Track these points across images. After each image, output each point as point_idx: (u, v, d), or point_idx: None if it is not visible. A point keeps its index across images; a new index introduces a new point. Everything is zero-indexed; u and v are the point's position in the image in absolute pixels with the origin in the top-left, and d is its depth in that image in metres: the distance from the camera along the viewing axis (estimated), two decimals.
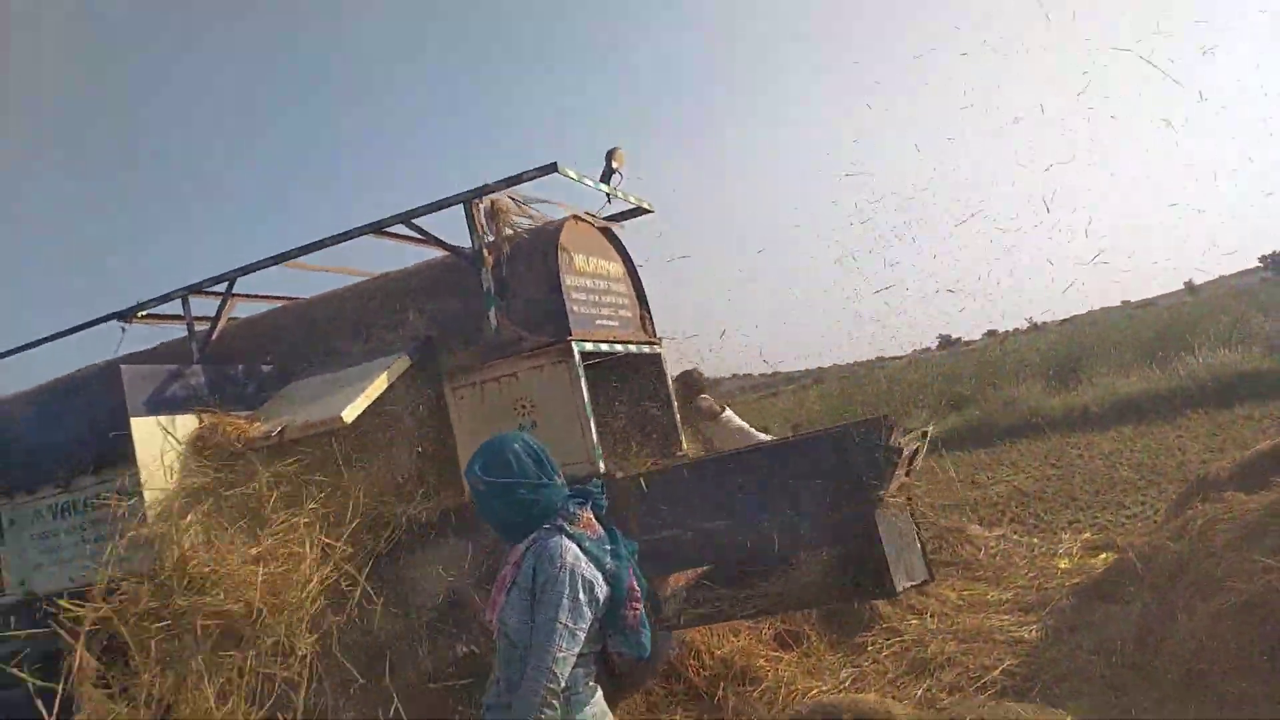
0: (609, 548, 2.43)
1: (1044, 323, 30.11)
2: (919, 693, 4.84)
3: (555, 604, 2.25)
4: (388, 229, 4.31)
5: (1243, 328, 16.54)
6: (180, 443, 3.58)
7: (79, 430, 4.30)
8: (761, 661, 5.52)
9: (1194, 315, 19.38)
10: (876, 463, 3.35)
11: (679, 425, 4.83)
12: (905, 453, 3.52)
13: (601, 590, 2.35)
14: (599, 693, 2.43)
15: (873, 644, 5.68)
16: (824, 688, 5.17)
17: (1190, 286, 37.42)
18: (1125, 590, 5.03)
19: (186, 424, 3.66)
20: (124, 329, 4.80)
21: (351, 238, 4.27)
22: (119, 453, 3.71)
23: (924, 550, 3.84)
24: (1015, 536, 7.77)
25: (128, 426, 3.44)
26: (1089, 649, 4.88)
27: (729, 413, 6.35)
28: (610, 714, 2.46)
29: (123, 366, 3.60)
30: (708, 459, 4.56)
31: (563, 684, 2.22)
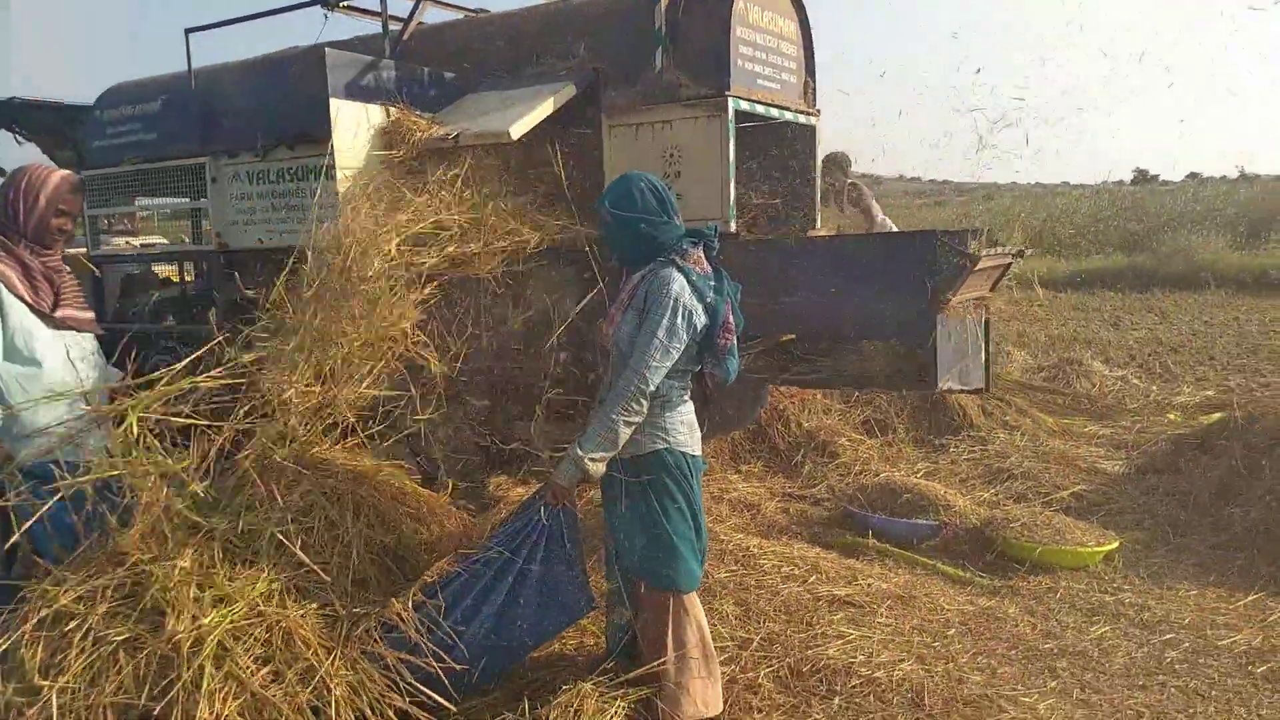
0: (713, 284, 2.77)
1: (1255, 175, 27.21)
2: (985, 495, 5.18)
3: (657, 322, 2.65)
4: None
5: None
6: (370, 130, 3.98)
7: (280, 105, 4.74)
8: (844, 441, 5.94)
9: None
10: (952, 269, 3.52)
11: (817, 204, 4.93)
12: (987, 264, 3.65)
13: (700, 319, 2.72)
14: (690, 405, 2.88)
15: (956, 447, 6.00)
16: (898, 473, 5.58)
17: None
18: (1221, 445, 5.08)
19: (376, 114, 4.03)
20: (326, 16, 5.13)
21: None
22: (314, 131, 4.15)
23: (988, 362, 4.06)
24: (1136, 381, 7.72)
25: (327, 107, 3.83)
26: (1165, 490, 5.06)
27: (876, 208, 6.46)
28: (697, 427, 2.90)
29: (327, 49, 3.93)
30: (807, 240, 4.71)
31: (651, 387, 2.66)
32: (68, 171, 3.25)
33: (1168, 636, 3.55)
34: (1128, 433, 6.31)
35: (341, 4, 5.10)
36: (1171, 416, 6.71)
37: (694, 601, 2.86)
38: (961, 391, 4.19)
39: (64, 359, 3.14)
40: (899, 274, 3.70)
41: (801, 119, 4.75)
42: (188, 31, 5.29)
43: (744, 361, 4.24)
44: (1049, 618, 3.74)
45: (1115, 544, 4.30)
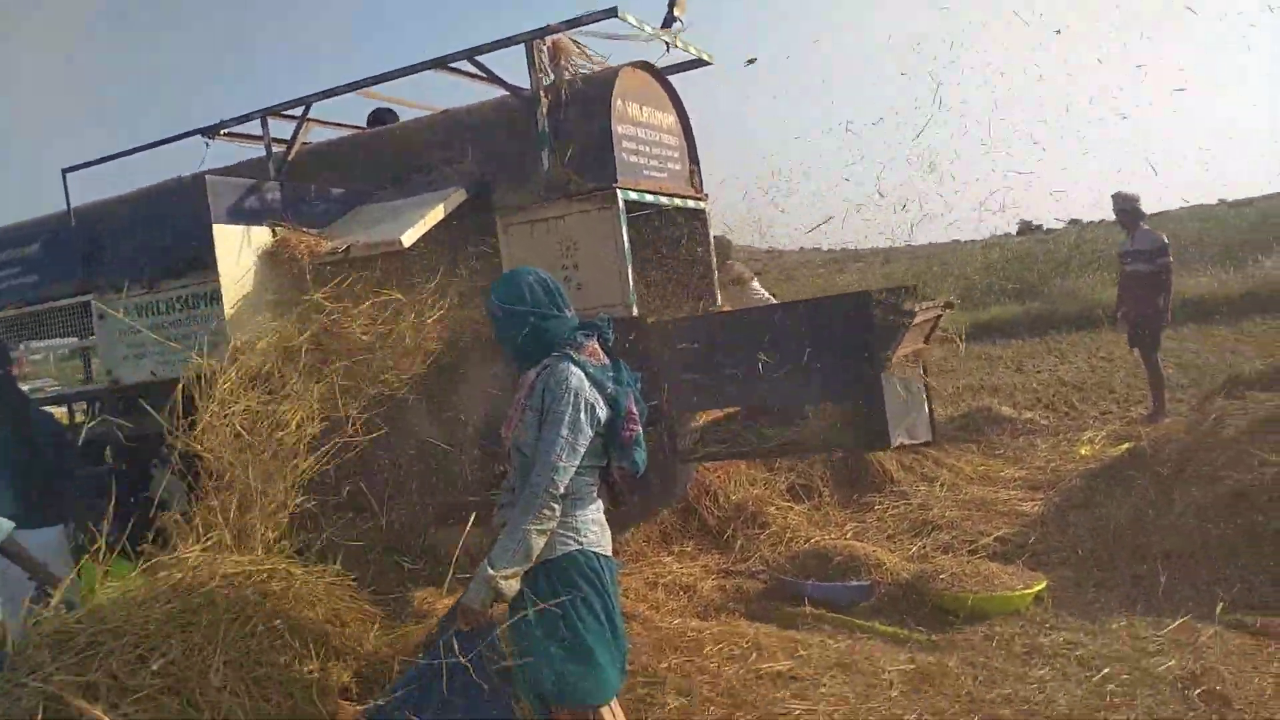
0: (612, 374, 2.67)
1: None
2: (913, 549, 5.21)
3: (559, 420, 2.52)
4: (452, 64, 4.48)
5: None
6: (256, 252, 3.94)
7: (165, 235, 4.68)
8: (772, 509, 5.90)
9: None
10: (889, 327, 3.57)
11: (715, 281, 5.04)
12: (920, 319, 3.72)
13: (602, 411, 2.61)
14: (599, 504, 2.73)
15: (880, 504, 6.05)
16: (827, 537, 5.58)
17: None
18: (1131, 476, 5.25)
19: (262, 235, 3.99)
20: (207, 144, 5.12)
21: (418, 71, 4.47)
22: (201, 259, 4.09)
23: (931, 414, 4.09)
24: (1044, 421, 7.96)
25: (210, 233, 3.78)
26: (1084, 526, 5.17)
27: (756, 283, 6.60)
28: (607, 526, 2.75)
29: (207, 176, 3.91)
30: (735, 312, 4.80)
31: (562, 489, 2.52)
32: None
33: (1105, 671, 3.57)
34: (1042, 473, 6.47)
35: (223, 131, 5.10)
36: (1082, 452, 6.92)
37: (614, 711, 2.68)
38: (912, 446, 4.19)
39: None
40: (839, 337, 3.70)
41: (690, 204, 4.89)
42: (65, 171, 5.21)
43: (689, 441, 4.22)
44: (988, 666, 3.73)
45: (1042, 584, 4.35)
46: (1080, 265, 18.48)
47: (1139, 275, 7.94)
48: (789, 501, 6.05)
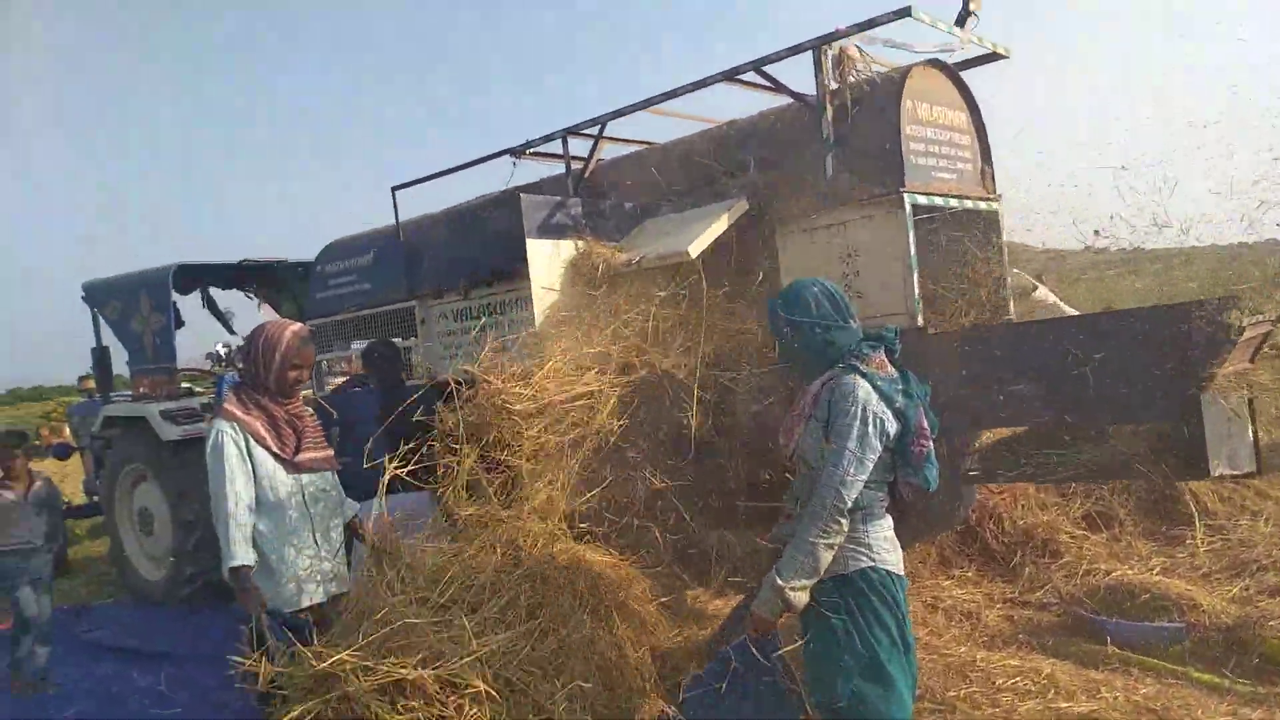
0: (900, 387, 2.61)
1: None
2: (1234, 590, 4.65)
3: (846, 434, 2.51)
4: (739, 76, 4.57)
5: None
6: (562, 264, 4.25)
7: (479, 248, 5.16)
8: (1065, 537, 5.51)
9: None
10: (1212, 342, 3.19)
11: (1009, 286, 4.75)
12: (1247, 335, 3.29)
13: (891, 425, 2.56)
14: (889, 520, 2.69)
15: (1192, 538, 5.45)
16: (1130, 571, 5.09)
17: None
18: None
19: (567, 248, 4.31)
20: (515, 163, 5.60)
21: (707, 85, 4.58)
22: (511, 269, 4.47)
23: (1256, 441, 3.60)
24: None
25: (524, 247, 4.13)
26: None
27: (1043, 289, 6.05)
28: (898, 544, 2.70)
29: (521, 195, 4.28)
30: (1030, 323, 4.48)
31: (849, 504, 2.50)
32: (299, 326, 3.47)
33: None
34: None
35: (528, 151, 5.54)
36: None
37: None
38: (1232, 476, 3.74)
39: (301, 503, 3.36)
40: (1153, 351, 3.36)
41: (982, 205, 4.66)
42: (394, 189, 5.88)
43: (969, 462, 4.03)
44: None
45: None
46: None
47: None
48: (1084, 530, 5.61)
